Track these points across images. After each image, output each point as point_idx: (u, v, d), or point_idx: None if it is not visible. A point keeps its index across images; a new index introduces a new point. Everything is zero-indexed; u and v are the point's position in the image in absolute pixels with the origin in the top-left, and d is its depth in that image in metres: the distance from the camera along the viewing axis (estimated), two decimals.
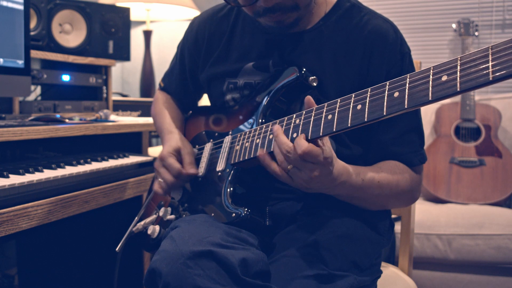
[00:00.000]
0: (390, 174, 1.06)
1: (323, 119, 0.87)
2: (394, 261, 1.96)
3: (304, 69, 1.08)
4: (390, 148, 1.10)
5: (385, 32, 1.10)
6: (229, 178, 1.08)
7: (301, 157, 0.86)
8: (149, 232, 1.17)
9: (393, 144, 1.09)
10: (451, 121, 2.43)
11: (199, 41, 1.30)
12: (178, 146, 1.21)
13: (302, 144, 0.86)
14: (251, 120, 1.13)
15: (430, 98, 0.70)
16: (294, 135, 0.91)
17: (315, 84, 1.08)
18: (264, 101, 1.12)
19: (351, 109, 0.82)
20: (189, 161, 1.20)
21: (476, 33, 2.57)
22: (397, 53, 1.09)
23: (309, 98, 0.92)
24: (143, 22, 3.06)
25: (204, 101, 1.38)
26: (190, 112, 1.43)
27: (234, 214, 1.01)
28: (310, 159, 0.86)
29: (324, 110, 0.87)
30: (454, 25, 2.67)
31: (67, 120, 1.63)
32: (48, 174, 1.25)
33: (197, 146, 1.27)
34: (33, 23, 1.78)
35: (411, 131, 1.10)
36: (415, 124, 1.11)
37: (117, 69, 3.24)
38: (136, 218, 1.26)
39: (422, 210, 2.09)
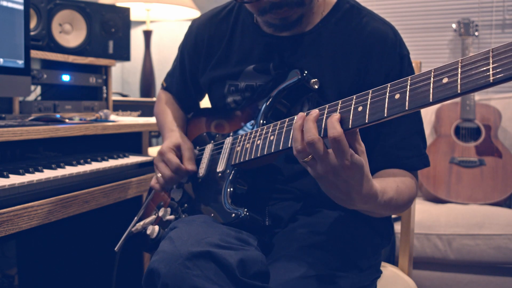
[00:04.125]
0: (404, 187, 1.02)
1: (324, 120, 0.86)
2: (394, 261, 1.96)
3: (306, 72, 1.08)
4: (394, 153, 1.07)
5: (384, 34, 1.09)
6: (230, 179, 1.08)
7: (332, 141, 0.78)
8: (148, 232, 1.18)
9: (397, 148, 1.07)
10: (451, 121, 2.43)
11: (198, 45, 1.30)
12: (178, 142, 1.22)
13: (335, 126, 0.79)
14: (252, 122, 1.13)
15: (430, 100, 0.71)
16: None
17: (316, 86, 1.08)
18: (266, 103, 1.12)
19: (352, 111, 0.81)
20: (188, 156, 1.20)
21: (476, 33, 2.57)
22: (396, 56, 1.09)
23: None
24: (143, 22, 3.06)
25: (206, 101, 1.38)
26: (191, 114, 1.44)
27: (233, 215, 1.01)
28: (338, 150, 0.79)
29: (325, 112, 0.87)
30: (454, 25, 2.67)
31: (67, 120, 1.63)
32: (48, 174, 1.25)
33: (197, 147, 1.28)
34: (33, 23, 1.78)
35: (414, 134, 1.09)
36: (417, 127, 1.10)
37: (117, 69, 3.24)
38: (136, 218, 1.26)
39: (422, 210, 2.09)
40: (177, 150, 1.21)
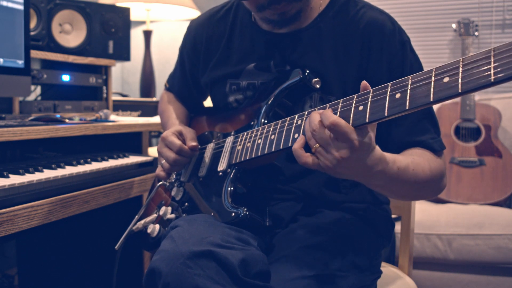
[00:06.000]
0: (421, 159, 1.00)
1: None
2: (394, 261, 1.96)
3: (308, 71, 1.08)
4: (406, 139, 1.05)
5: (382, 23, 1.08)
6: (230, 178, 1.08)
7: (329, 128, 0.80)
8: (148, 231, 1.18)
9: (408, 135, 1.05)
10: (451, 121, 2.43)
11: (197, 45, 1.30)
12: (180, 128, 1.22)
13: (329, 115, 0.80)
14: (253, 121, 1.13)
15: (431, 99, 0.71)
16: (296, 135, 0.91)
17: (318, 86, 1.08)
18: (267, 103, 1.12)
19: (352, 110, 0.82)
20: (190, 137, 1.20)
21: (476, 33, 2.57)
22: (396, 43, 1.08)
23: (365, 83, 0.84)
24: (143, 22, 3.06)
25: (209, 101, 1.39)
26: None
27: (233, 214, 1.01)
28: (338, 135, 0.80)
29: None
30: (454, 25, 2.66)
31: (67, 120, 1.63)
32: (48, 174, 1.25)
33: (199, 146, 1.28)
34: (33, 23, 1.78)
35: (423, 119, 1.06)
36: (426, 112, 1.07)
37: (117, 69, 3.24)
38: (136, 217, 1.26)
39: (422, 210, 2.09)
40: (179, 135, 1.21)
